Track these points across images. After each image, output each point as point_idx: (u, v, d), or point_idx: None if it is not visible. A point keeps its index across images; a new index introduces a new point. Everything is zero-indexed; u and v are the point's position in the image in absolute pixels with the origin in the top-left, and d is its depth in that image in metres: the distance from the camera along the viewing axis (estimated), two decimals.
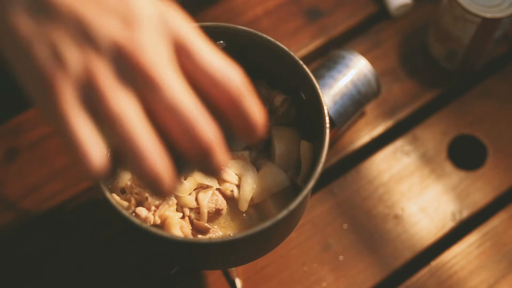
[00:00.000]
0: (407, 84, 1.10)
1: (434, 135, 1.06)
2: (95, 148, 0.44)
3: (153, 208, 0.71)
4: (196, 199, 0.74)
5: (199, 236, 0.73)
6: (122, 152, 0.44)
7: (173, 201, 0.73)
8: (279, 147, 0.78)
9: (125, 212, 0.66)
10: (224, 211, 0.76)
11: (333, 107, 0.98)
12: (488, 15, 0.97)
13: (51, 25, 0.45)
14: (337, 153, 1.04)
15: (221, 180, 0.76)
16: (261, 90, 0.82)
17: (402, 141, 1.06)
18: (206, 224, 0.73)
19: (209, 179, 0.75)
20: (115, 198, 0.71)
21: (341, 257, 0.97)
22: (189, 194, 0.74)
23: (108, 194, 0.66)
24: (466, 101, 1.09)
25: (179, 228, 0.71)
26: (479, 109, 1.08)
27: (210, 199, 0.75)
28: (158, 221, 0.71)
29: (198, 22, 0.76)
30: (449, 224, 0.99)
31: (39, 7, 0.45)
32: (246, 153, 0.79)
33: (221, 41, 0.78)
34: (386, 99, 1.08)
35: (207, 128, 0.43)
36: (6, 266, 0.96)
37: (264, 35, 0.75)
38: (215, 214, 0.75)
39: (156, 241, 0.71)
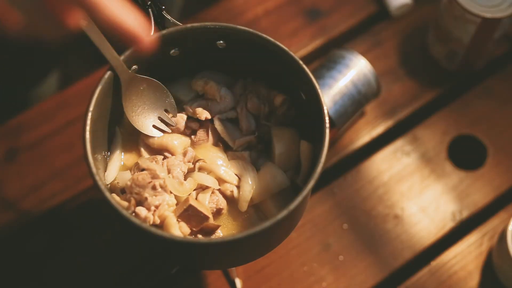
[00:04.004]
0: (407, 84, 1.10)
1: (434, 135, 1.06)
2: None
3: (152, 208, 0.71)
4: (196, 200, 0.74)
5: (200, 236, 0.73)
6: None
7: (173, 201, 0.73)
8: (279, 147, 0.78)
9: (125, 212, 0.66)
10: (225, 211, 0.76)
11: (333, 107, 0.98)
12: (488, 15, 0.97)
13: None
14: (337, 153, 1.04)
15: (221, 181, 0.76)
16: (261, 90, 0.82)
17: (402, 141, 1.06)
18: (216, 223, 0.74)
19: (209, 180, 0.76)
20: (115, 198, 0.71)
21: (341, 257, 0.97)
22: (189, 194, 0.74)
23: (108, 194, 0.66)
24: (466, 101, 1.09)
25: (178, 228, 0.71)
26: (479, 109, 1.08)
27: (210, 199, 0.75)
28: (158, 221, 0.71)
29: (198, 22, 0.76)
30: (449, 224, 0.99)
31: None
32: (246, 154, 0.79)
33: (221, 41, 0.78)
34: (386, 99, 1.08)
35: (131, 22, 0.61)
36: (6, 266, 0.96)
37: (264, 35, 0.75)
38: (215, 214, 0.75)
39: (156, 241, 0.71)
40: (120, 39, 0.64)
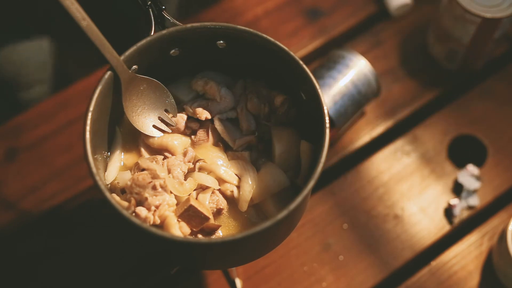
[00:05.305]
0: (407, 84, 1.10)
1: (434, 135, 1.06)
2: None
3: (153, 208, 0.71)
4: (197, 200, 0.74)
5: (200, 236, 0.73)
6: None
7: (173, 201, 0.73)
8: (279, 147, 0.78)
9: (125, 212, 0.66)
10: (225, 211, 0.76)
11: (333, 107, 0.98)
12: (488, 15, 0.97)
13: None
14: (337, 153, 1.04)
15: (221, 181, 0.76)
16: (261, 90, 0.82)
17: (402, 141, 1.06)
18: (216, 223, 0.74)
19: (209, 180, 0.76)
20: (115, 198, 0.71)
21: (341, 257, 0.97)
22: (189, 194, 0.74)
23: (108, 194, 0.66)
24: (466, 101, 1.09)
25: (178, 228, 0.71)
26: (479, 109, 1.08)
27: (211, 199, 0.75)
28: (158, 221, 0.71)
29: (198, 22, 0.76)
30: (449, 224, 0.99)
31: None
32: (246, 154, 0.79)
33: (221, 41, 0.78)
34: (386, 99, 1.08)
35: None
36: (6, 266, 0.96)
37: (264, 35, 0.75)
38: (216, 214, 0.75)
39: (156, 241, 0.71)
40: None
